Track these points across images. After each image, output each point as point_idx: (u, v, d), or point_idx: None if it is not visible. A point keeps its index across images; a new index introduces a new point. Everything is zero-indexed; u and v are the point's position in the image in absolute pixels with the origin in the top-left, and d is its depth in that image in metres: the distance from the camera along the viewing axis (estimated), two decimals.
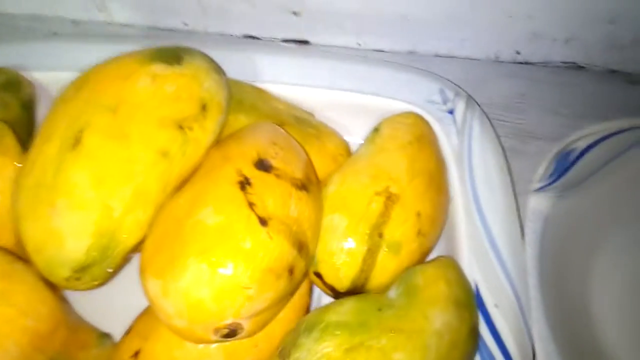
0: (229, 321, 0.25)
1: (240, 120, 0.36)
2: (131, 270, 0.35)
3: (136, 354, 0.30)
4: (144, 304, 0.32)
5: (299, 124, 0.39)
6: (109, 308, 0.34)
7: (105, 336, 0.32)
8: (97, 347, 0.31)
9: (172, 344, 0.29)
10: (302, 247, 0.28)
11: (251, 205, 0.26)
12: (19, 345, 0.25)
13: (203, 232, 0.26)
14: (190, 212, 0.26)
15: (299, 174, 0.30)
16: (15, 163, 0.31)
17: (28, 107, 0.41)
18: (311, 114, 0.42)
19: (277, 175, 0.28)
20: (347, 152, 0.40)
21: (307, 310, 0.33)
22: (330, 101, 0.41)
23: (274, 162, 0.29)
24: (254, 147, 0.29)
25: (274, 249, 0.26)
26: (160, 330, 0.30)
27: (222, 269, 0.25)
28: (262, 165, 0.28)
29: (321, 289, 0.33)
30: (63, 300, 0.29)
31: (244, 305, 0.25)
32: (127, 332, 0.31)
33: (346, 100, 0.41)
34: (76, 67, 0.39)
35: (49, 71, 0.42)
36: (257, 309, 0.26)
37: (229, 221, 0.26)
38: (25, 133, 0.36)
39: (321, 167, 0.37)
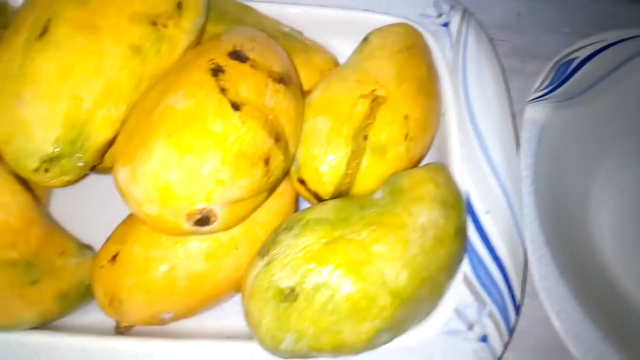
0: (200, 206, 0.24)
1: (221, 30, 0.35)
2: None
3: (114, 257, 0.29)
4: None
5: (285, 38, 0.37)
6: (94, 226, 0.34)
7: (86, 247, 0.32)
8: (78, 256, 0.31)
9: (149, 245, 0.28)
10: (278, 138, 0.27)
11: (223, 90, 0.25)
12: None
13: (172, 116, 0.25)
14: (160, 100, 0.26)
15: (277, 68, 0.28)
16: None
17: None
18: (300, 32, 0.40)
19: (253, 66, 0.27)
20: (336, 67, 0.38)
21: None
22: (319, 19, 0.40)
23: (250, 55, 0.28)
24: (230, 40, 0.28)
25: (246, 134, 0.25)
26: (137, 233, 0.29)
27: (191, 150, 0.24)
28: (237, 56, 0.27)
29: (304, 196, 0.32)
30: (37, 201, 0.29)
31: (216, 189, 0.24)
32: (106, 240, 0.31)
33: (336, 18, 0.40)
34: None
35: None
36: (232, 196, 0.25)
37: (199, 105, 0.25)
38: None
39: (308, 80, 0.36)
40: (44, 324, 0.30)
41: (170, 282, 0.28)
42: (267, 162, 0.26)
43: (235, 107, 0.25)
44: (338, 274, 0.26)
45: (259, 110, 0.26)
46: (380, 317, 0.26)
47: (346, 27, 0.40)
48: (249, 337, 0.30)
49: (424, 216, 0.28)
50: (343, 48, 0.40)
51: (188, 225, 0.25)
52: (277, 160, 0.27)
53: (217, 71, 0.26)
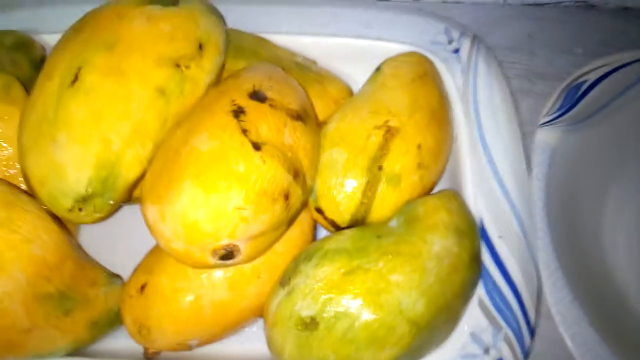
0: (224, 242, 0.26)
1: (240, 65, 0.36)
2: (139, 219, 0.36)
3: (142, 287, 0.31)
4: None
5: (300, 69, 0.39)
6: (120, 255, 0.35)
7: (115, 276, 0.33)
8: (107, 285, 0.32)
9: (176, 276, 0.30)
10: (297, 174, 0.28)
11: (244, 131, 0.27)
12: (25, 272, 0.26)
13: (197, 157, 0.26)
14: (186, 141, 0.27)
15: (294, 105, 0.30)
16: None
17: (38, 68, 0.42)
18: (314, 62, 0.41)
19: (272, 105, 0.28)
20: (350, 96, 0.39)
21: None
22: (332, 48, 0.41)
23: (268, 94, 0.29)
24: (250, 80, 0.30)
25: (267, 172, 0.26)
26: (164, 264, 0.30)
27: (216, 190, 0.25)
28: (257, 96, 0.29)
29: (323, 226, 0.34)
30: (70, 236, 0.30)
31: (239, 225, 0.26)
32: (135, 270, 0.32)
33: (348, 47, 0.41)
34: None
35: (58, 33, 0.42)
36: (254, 231, 0.26)
37: (222, 146, 0.26)
38: None
39: (323, 110, 0.37)
40: (76, 351, 0.32)
41: (197, 310, 0.30)
42: (286, 197, 0.27)
43: (257, 147, 0.26)
44: (357, 303, 0.27)
45: (278, 149, 0.27)
46: (398, 345, 0.27)
47: (359, 55, 0.41)
48: None
49: (438, 244, 0.29)
50: (356, 76, 0.41)
51: (213, 260, 0.26)
52: (296, 195, 0.28)
53: (238, 112, 0.27)
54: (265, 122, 0.27)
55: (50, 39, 0.42)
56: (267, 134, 0.27)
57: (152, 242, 0.34)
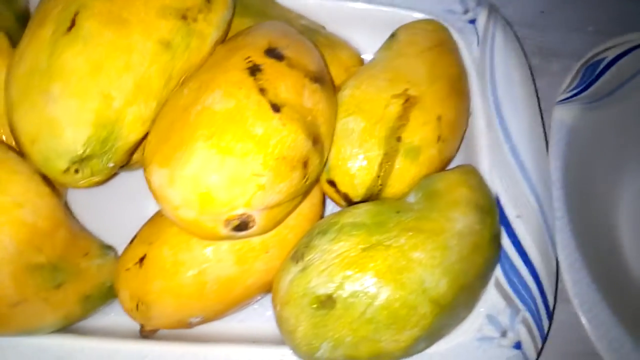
0: (240, 211, 0.24)
1: (246, 24, 0.33)
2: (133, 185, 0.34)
3: (141, 260, 0.28)
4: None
5: (309, 33, 0.36)
6: (113, 224, 0.33)
7: (108, 248, 0.31)
8: (101, 257, 0.30)
9: (178, 248, 0.28)
10: (316, 141, 0.26)
11: (262, 90, 0.24)
12: (16, 239, 0.23)
13: (211, 117, 0.24)
14: (197, 100, 0.25)
15: (312, 67, 0.27)
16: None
17: (22, 20, 0.39)
18: (322, 27, 0.39)
19: (290, 65, 0.26)
20: (360, 63, 0.37)
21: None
22: (342, 14, 0.39)
23: (285, 52, 0.27)
24: (265, 37, 0.27)
25: (287, 137, 0.24)
26: (166, 235, 0.28)
27: (232, 154, 0.23)
28: (274, 54, 0.26)
29: (333, 199, 0.32)
30: (63, 202, 0.28)
31: (256, 194, 0.23)
32: (131, 241, 0.30)
33: (359, 13, 0.39)
34: None
35: None
36: (270, 201, 0.24)
37: (239, 106, 0.24)
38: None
39: (334, 77, 0.34)
40: (66, 327, 0.30)
41: (200, 286, 0.27)
42: (305, 165, 0.25)
43: (276, 108, 0.24)
44: (377, 281, 0.25)
45: (298, 111, 0.25)
46: (419, 326, 0.25)
47: (369, 22, 0.39)
48: (276, 341, 0.30)
49: (461, 222, 0.27)
50: (366, 43, 0.39)
51: (226, 231, 0.24)
52: (314, 163, 0.26)
53: (254, 70, 0.25)
54: (283, 82, 0.25)
55: None
56: (286, 95, 0.25)
57: (147, 211, 0.32)
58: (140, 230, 0.30)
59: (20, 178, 0.24)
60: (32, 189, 0.24)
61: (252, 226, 0.24)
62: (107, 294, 0.31)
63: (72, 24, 0.25)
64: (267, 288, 0.30)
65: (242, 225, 0.24)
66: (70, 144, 0.24)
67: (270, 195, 0.24)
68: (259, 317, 0.33)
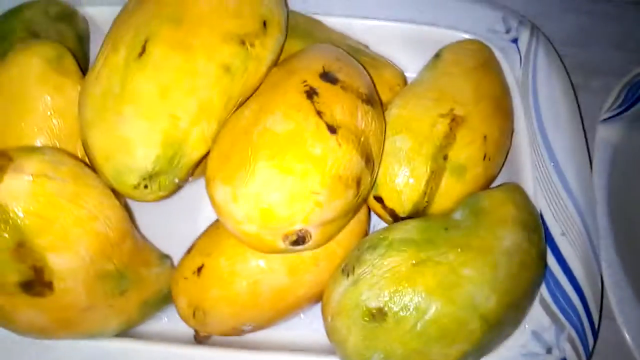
0: (298, 227, 0.25)
1: (294, 45, 0.35)
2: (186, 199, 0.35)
3: (199, 269, 0.30)
4: (199, 229, 0.32)
5: (354, 52, 0.38)
6: (167, 235, 0.35)
7: (166, 257, 0.33)
8: (159, 266, 0.32)
9: (235, 259, 0.29)
10: (369, 160, 0.27)
11: (319, 113, 0.26)
12: (90, 249, 0.25)
13: (272, 138, 0.25)
14: (257, 121, 0.26)
15: (363, 88, 0.29)
16: (77, 85, 0.31)
17: (82, 41, 0.41)
18: (365, 46, 0.40)
19: (343, 87, 0.27)
20: (404, 82, 0.38)
21: (364, 236, 0.33)
22: (385, 33, 0.40)
23: (339, 75, 0.28)
24: (319, 60, 0.29)
25: (342, 157, 0.25)
26: (223, 247, 0.30)
27: (292, 173, 0.24)
28: (328, 77, 0.27)
29: (380, 215, 0.33)
30: (130, 215, 0.29)
31: (314, 211, 0.25)
32: (189, 251, 0.31)
33: (402, 32, 0.40)
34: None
35: (101, 6, 0.41)
36: (326, 217, 0.25)
37: (298, 128, 0.25)
38: (80, 66, 0.36)
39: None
40: (125, 331, 0.31)
41: (255, 295, 0.29)
42: (358, 183, 0.26)
43: (332, 130, 0.25)
44: (428, 296, 0.26)
45: (352, 132, 0.26)
46: (468, 341, 0.26)
47: (412, 41, 0.40)
48: (322, 351, 0.31)
49: (508, 239, 0.28)
50: (408, 62, 0.40)
51: (284, 245, 0.26)
52: (366, 182, 0.27)
53: (311, 94, 0.26)
54: (338, 105, 0.26)
55: (92, 12, 0.41)
56: (341, 117, 0.26)
57: (197, 222, 0.33)
58: (197, 241, 0.31)
59: (95, 192, 0.26)
60: (105, 202, 0.26)
61: (309, 241, 0.26)
62: (164, 301, 0.32)
63: (143, 50, 0.27)
64: (316, 299, 0.31)
65: (300, 240, 0.25)
66: (141, 162, 0.26)
67: (326, 211, 0.25)
68: (306, 327, 0.34)
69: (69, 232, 0.24)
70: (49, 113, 0.30)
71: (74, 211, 0.24)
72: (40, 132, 0.30)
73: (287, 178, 0.24)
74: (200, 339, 0.31)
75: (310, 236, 0.26)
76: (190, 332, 0.32)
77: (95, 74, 0.27)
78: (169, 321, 0.34)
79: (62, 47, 0.33)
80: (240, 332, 0.31)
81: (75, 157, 0.27)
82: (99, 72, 0.27)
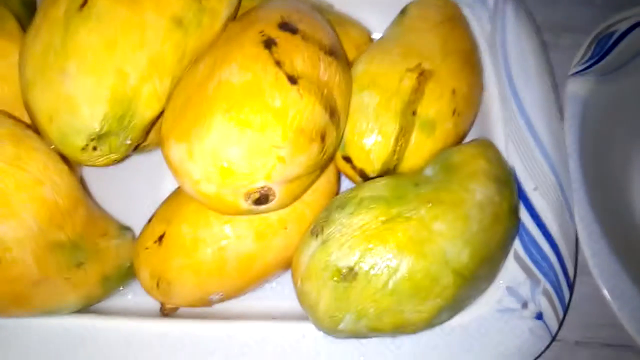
0: (260, 184, 0.23)
1: (253, 3, 0.33)
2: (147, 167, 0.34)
3: (160, 238, 0.28)
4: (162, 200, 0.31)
5: (318, 11, 0.36)
6: (128, 205, 0.33)
7: (126, 228, 0.31)
8: (119, 238, 0.30)
9: (197, 225, 0.28)
10: (333, 113, 0.26)
11: (278, 63, 0.24)
12: (37, 216, 0.24)
13: (228, 90, 0.23)
14: (212, 74, 0.24)
15: (326, 40, 0.27)
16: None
17: (27, 6, 0.39)
18: (330, 5, 0.39)
19: (304, 38, 0.26)
20: (370, 42, 0.37)
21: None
22: None
23: (299, 25, 0.26)
24: (278, 11, 0.27)
25: (304, 108, 0.24)
26: (184, 213, 0.28)
27: (251, 126, 0.23)
28: (288, 27, 0.26)
29: (349, 175, 0.31)
30: (81, 181, 0.28)
31: (276, 166, 0.23)
32: (149, 221, 0.30)
33: None
34: None
35: None
36: (290, 174, 0.24)
37: (256, 79, 0.24)
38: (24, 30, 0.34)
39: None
40: (86, 307, 0.30)
41: (220, 262, 0.28)
42: (323, 138, 0.25)
43: (293, 80, 0.24)
44: (399, 253, 0.25)
45: (314, 83, 0.25)
46: (442, 297, 0.25)
47: (378, 1, 0.39)
48: (296, 317, 0.30)
49: (480, 193, 0.27)
50: (373, 22, 0.38)
51: (246, 204, 0.24)
52: (332, 136, 0.26)
53: (269, 43, 0.25)
54: (299, 55, 0.25)
55: None
56: (302, 68, 0.25)
57: (161, 192, 0.32)
58: (158, 209, 0.30)
59: (40, 155, 0.24)
60: (51, 166, 0.24)
61: (272, 199, 0.24)
62: (126, 275, 0.31)
63: (85, 1, 0.25)
64: (286, 265, 0.30)
65: (262, 199, 0.24)
66: (88, 121, 0.24)
67: (290, 167, 0.24)
68: (277, 295, 0.33)
69: (11, 198, 0.22)
70: None
71: (16, 175, 0.22)
72: None
73: (246, 131, 0.23)
74: (166, 312, 0.30)
75: (275, 194, 0.24)
76: (157, 307, 0.31)
77: (34, 30, 0.25)
78: (135, 296, 0.32)
79: (3, 10, 0.31)
80: (208, 302, 0.29)
81: (16, 119, 0.25)
82: (38, 27, 0.25)
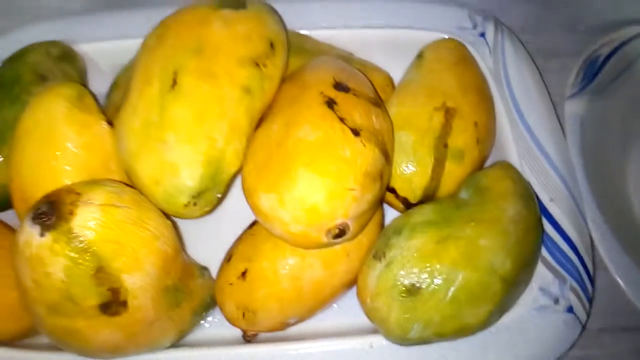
0: (339, 221, 0.28)
1: (292, 60, 0.38)
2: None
3: (243, 274, 0.33)
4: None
5: (344, 61, 0.41)
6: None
7: (204, 269, 0.35)
8: (201, 277, 0.34)
9: (275, 260, 0.32)
10: (387, 155, 0.31)
11: (342, 119, 0.29)
12: (155, 266, 0.28)
13: (306, 146, 0.28)
14: (288, 133, 0.29)
15: (371, 93, 0.32)
16: (100, 121, 0.33)
17: (83, 77, 0.43)
18: (351, 53, 0.44)
19: (355, 94, 0.31)
20: (392, 84, 0.42)
21: (382, 225, 0.36)
22: (366, 39, 0.43)
23: (349, 84, 0.31)
24: (327, 73, 0.32)
25: (368, 155, 0.29)
26: (262, 250, 0.33)
27: (329, 175, 0.28)
28: (341, 87, 0.31)
29: (393, 204, 0.36)
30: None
31: (351, 205, 0.28)
32: (227, 259, 0.34)
33: (381, 37, 0.44)
34: (116, 35, 0.41)
35: (94, 42, 0.44)
36: (360, 209, 0.29)
37: (327, 135, 0.28)
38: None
39: None
40: (178, 342, 0.34)
41: (298, 290, 0.32)
42: (382, 177, 0.30)
43: (356, 133, 0.29)
44: (454, 267, 0.30)
45: (372, 133, 0.30)
46: (492, 301, 0.30)
47: (392, 45, 0.44)
48: (357, 332, 0.35)
49: (511, 210, 0.32)
50: (390, 64, 0.43)
51: (326, 239, 0.29)
52: (387, 175, 0.31)
53: (331, 103, 0.30)
54: (355, 110, 0.30)
55: (86, 48, 0.43)
56: (361, 121, 0.30)
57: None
58: (233, 250, 0.34)
59: (154, 214, 0.28)
60: (162, 223, 0.28)
61: (348, 232, 0.29)
62: (207, 308, 0.35)
63: (174, 82, 0.29)
64: (348, 287, 0.34)
65: (341, 233, 0.29)
66: (189, 182, 0.29)
67: (361, 205, 0.29)
68: (336, 315, 0.37)
69: (138, 253, 0.27)
70: (78, 150, 0.32)
71: (140, 233, 0.27)
72: (72, 168, 0.32)
73: (326, 179, 0.28)
74: (249, 338, 0.34)
75: (349, 228, 0.29)
76: (232, 333, 0.35)
77: (131, 108, 0.30)
78: (210, 327, 0.36)
79: (79, 86, 0.35)
80: (285, 326, 0.34)
81: (130, 186, 0.29)
82: (135, 106, 0.30)
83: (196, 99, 0.29)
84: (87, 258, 0.25)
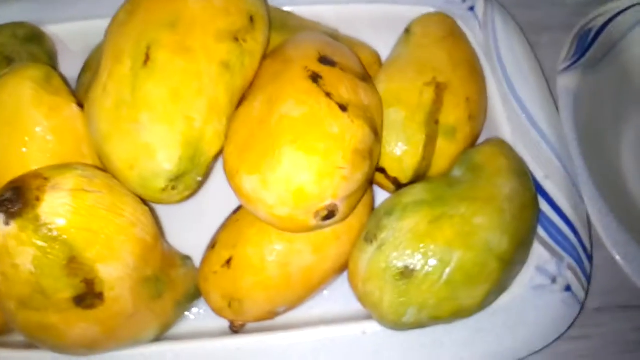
0: (328, 202, 0.27)
1: (274, 37, 0.36)
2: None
3: (228, 262, 0.31)
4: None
5: (330, 37, 0.39)
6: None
7: (187, 257, 0.34)
8: (183, 266, 0.33)
9: (261, 246, 0.30)
10: (376, 132, 0.29)
11: (328, 94, 0.27)
12: (133, 255, 0.26)
13: (290, 123, 0.27)
14: (271, 110, 0.27)
15: (358, 68, 0.31)
16: (70, 103, 0.31)
17: (52, 59, 0.41)
18: (336, 30, 0.42)
19: (342, 69, 0.29)
20: (380, 61, 0.40)
21: (372, 207, 0.35)
22: (352, 15, 0.42)
23: (335, 58, 0.30)
24: (312, 47, 0.30)
25: (357, 131, 0.27)
26: (246, 236, 0.31)
27: (317, 152, 0.26)
28: (326, 61, 0.29)
29: (383, 185, 0.35)
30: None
31: (341, 185, 0.27)
32: (211, 247, 0.32)
33: (367, 12, 0.42)
34: (87, 16, 0.39)
35: (63, 23, 0.41)
36: (350, 189, 0.27)
37: (313, 110, 0.27)
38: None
39: None
40: (161, 335, 0.32)
41: (286, 276, 0.30)
42: (371, 155, 0.28)
43: (343, 108, 0.27)
44: (448, 247, 0.28)
45: (360, 108, 0.28)
46: (489, 281, 0.29)
47: (378, 20, 0.42)
48: (349, 319, 0.33)
49: (506, 187, 0.31)
50: (377, 41, 0.42)
51: (315, 221, 0.27)
52: (377, 152, 0.29)
53: (316, 77, 0.28)
54: (342, 85, 0.28)
55: (56, 29, 0.41)
56: (348, 96, 0.28)
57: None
58: (217, 236, 0.33)
59: (130, 200, 0.26)
60: (139, 208, 0.27)
61: (337, 214, 0.27)
62: (190, 299, 0.33)
63: (147, 57, 0.27)
64: (340, 271, 0.33)
65: (330, 215, 0.27)
66: (166, 165, 0.27)
67: (350, 184, 0.27)
68: (326, 301, 0.36)
69: (114, 241, 0.25)
70: (48, 134, 0.30)
71: (115, 220, 0.25)
72: (43, 154, 0.30)
73: (313, 157, 0.26)
74: (236, 329, 0.33)
75: (338, 209, 0.27)
76: (219, 325, 0.33)
77: (101, 87, 0.28)
78: (195, 318, 0.35)
79: (47, 67, 0.33)
80: (274, 315, 0.32)
81: (102, 169, 0.27)
82: (105, 84, 0.28)
83: (171, 76, 0.27)
84: (57, 247, 0.23)
